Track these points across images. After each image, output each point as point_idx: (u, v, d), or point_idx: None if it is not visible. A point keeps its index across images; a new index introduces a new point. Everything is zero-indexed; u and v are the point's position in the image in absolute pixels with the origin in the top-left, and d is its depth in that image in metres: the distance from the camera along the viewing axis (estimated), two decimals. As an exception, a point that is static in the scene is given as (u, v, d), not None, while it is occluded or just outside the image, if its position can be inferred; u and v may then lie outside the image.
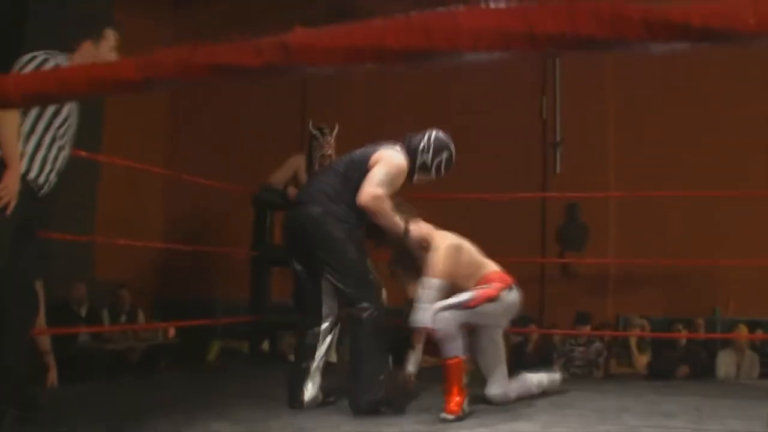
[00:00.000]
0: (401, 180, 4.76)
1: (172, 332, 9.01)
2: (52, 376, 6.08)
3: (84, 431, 3.68)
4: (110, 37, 3.79)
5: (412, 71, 7.97)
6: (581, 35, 0.90)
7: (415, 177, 4.90)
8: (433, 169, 4.92)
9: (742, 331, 8.35)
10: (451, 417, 4.18)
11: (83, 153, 5.76)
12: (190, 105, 11.03)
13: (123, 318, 8.84)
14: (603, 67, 9.53)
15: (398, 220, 4.64)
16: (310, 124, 7.07)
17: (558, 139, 9.77)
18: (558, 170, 9.74)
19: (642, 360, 8.37)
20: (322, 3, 10.89)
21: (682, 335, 8.39)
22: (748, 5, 0.90)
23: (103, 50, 3.73)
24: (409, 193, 5.08)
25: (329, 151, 6.84)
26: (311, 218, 4.56)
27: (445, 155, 4.94)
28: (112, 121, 9.62)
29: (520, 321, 9.08)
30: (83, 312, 8.45)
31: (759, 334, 8.29)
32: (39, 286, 5.91)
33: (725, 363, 8.22)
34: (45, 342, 6.08)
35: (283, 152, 7.69)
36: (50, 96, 1.51)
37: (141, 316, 9.21)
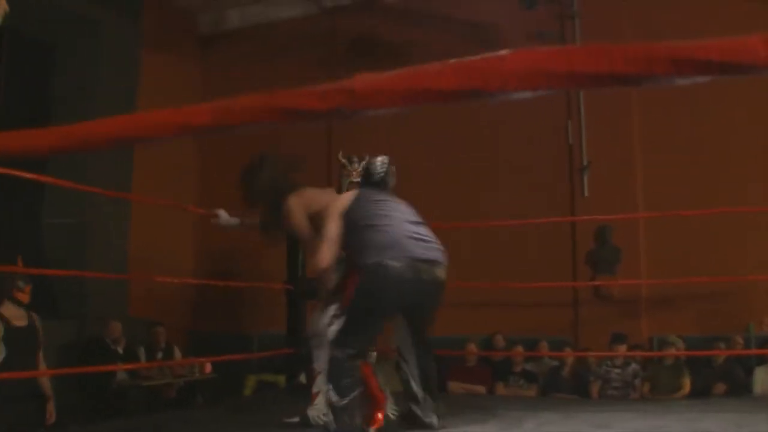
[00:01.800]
0: None
1: (208, 368, 9.07)
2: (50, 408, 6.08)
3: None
4: None
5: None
6: (616, 73, 0.96)
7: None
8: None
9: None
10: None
11: (113, 193, 5.84)
12: (219, 140, 11.14)
13: (159, 355, 8.92)
14: (628, 89, 9.56)
15: None
16: (340, 155, 7.16)
17: (585, 163, 9.80)
18: (585, 194, 9.76)
19: (686, 383, 8.32)
20: (343, 39, 11.03)
21: (717, 352, 8.38)
22: (759, 41, 0.96)
23: None
24: (442, 223, 5.10)
25: (357, 179, 6.94)
26: (443, 284, 4.48)
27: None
28: (141, 159, 9.75)
29: (555, 345, 9.13)
30: (120, 350, 8.54)
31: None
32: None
33: (762, 379, 8.19)
34: (46, 385, 6.12)
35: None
36: (132, 138, 1.61)
37: (177, 353, 9.28)
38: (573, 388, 8.68)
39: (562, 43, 10.09)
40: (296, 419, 4.50)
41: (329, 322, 4.64)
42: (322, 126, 10.52)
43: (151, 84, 10.46)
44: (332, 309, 4.61)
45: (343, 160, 7.11)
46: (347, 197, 4.55)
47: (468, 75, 1.05)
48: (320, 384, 4.66)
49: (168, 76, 11.22)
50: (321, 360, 4.65)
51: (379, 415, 4.44)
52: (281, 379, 8.44)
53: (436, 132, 9.85)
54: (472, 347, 8.91)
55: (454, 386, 8.62)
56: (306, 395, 6.11)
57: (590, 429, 4.60)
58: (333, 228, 4.39)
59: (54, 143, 1.70)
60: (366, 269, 4.31)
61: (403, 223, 4.42)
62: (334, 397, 4.12)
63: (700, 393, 7.94)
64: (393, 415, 4.58)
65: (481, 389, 8.66)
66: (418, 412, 4.50)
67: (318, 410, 4.67)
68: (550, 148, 9.97)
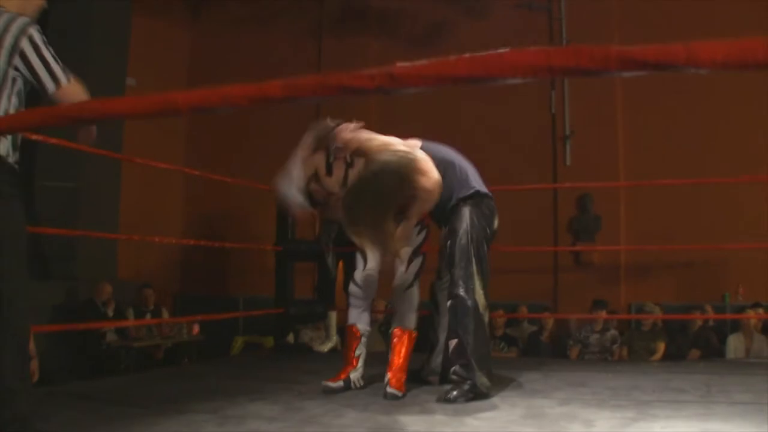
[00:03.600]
0: None
1: (196, 329, 9.24)
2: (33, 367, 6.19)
3: (126, 415, 3.84)
4: None
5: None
6: (582, 67, 1.25)
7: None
8: None
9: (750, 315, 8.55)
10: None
11: (104, 152, 5.94)
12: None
13: (148, 316, 9.07)
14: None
15: None
16: (327, 120, 7.35)
17: (567, 132, 9.97)
18: (568, 162, 9.95)
19: (661, 348, 8.57)
20: (331, 6, 11.09)
21: (693, 317, 8.63)
22: (681, 48, 1.27)
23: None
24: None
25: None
26: None
27: None
28: (131, 122, 9.84)
29: (535, 310, 9.35)
30: (110, 312, 8.69)
31: (763, 313, 8.48)
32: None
33: (734, 346, 8.44)
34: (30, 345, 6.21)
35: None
36: (212, 108, 1.82)
37: (165, 314, 9.44)
38: (552, 352, 8.92)
39: (549, 13, 10.24)
40: (341, 383, 4.50)
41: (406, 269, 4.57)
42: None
43: (141, 49, 10.53)
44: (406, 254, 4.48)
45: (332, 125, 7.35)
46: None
47: (476, 66, 1.34)
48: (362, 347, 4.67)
49: (158, 41, 11.29)
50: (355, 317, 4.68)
51: (341, 375, 4.53)
52: (269, 340, 8.63)
53: (422, 100, 9.97)
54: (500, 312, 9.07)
55: (437, 349, 8.80)
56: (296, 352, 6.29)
57: (567, 387, 4.78)
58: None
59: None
60: (475, 198, 4.48)
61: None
62: (477, 352, 4.24)
63: (675, 358, 8.17)
64: (359, 382, 4.62)
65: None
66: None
67: (359, 373, 4.64)
68: (533, 117, 10.13)
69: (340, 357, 5.04)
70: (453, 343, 4.33)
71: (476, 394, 4.20)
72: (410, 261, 4.53)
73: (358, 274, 4.58)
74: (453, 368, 4.29)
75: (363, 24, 10.74)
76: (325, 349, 7.39)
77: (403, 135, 4.60)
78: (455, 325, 4.32)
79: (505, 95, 9.64)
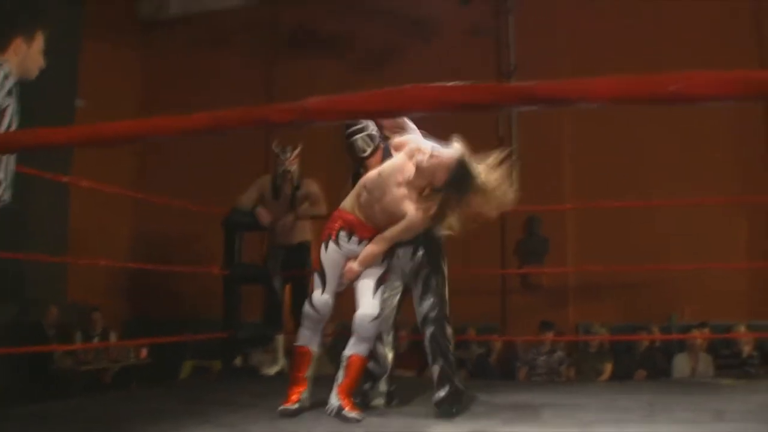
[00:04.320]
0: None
1: (144, 353, 9.19)
2: None
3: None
4: (40, 39, 3.71)
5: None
6: (480, 103, 1.33)
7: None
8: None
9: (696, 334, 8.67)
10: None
11: (51, 175, 5.91)
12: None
13: (96, 340, 9.00)
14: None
15: None
16: (274, 144, 7.44)
17: (514, 155, 10.05)
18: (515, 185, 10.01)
19: (608, 368, 8.66)
20: (283, 29, 11.14)
21: (639, 337, 8.74)
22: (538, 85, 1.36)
23: (34, 52, 3.65)
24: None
25: (290, 168, 7.27)
26: None
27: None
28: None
29: (483, 332, 9.40)
30: (57, 335, 8.61)
31: (708, 333, 8.59)
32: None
33: (680, 365, 8.54)
34: None
35: (249, 173, 7.97)
36: (140, 138, 1.86)
37: (113, 338, 9.37)
38: (501, 373, 8.97)
39: (497, 39, 10.37)
40: (296, 406, 4.48)
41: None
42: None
43: (92, 70, 10.48)
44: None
45: (277, 150, 7.42)
46: None
47: (383, 100, 1.38)
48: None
49: (108, 61, 11.25)
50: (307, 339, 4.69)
51: (293, 396, 4.52)
52: (217, 364, 8.59)
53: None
54: (403, 333, 9.09)
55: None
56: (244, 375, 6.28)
57: (511, 408, 4.82)
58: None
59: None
60: (436, 238, 4.64)
61: None
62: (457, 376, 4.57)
63: (622, 378, 8.26)
64: (307, 401, 4.65)
65: (411, 373, 8.87)
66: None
67: (308, 393, 4.64)
68: (480, 140, 10.17)
69: (287, 380, 5.04)
70: (437, 369, 4.57)
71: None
72: (376, 290, 4.53)
73: (317, 297, 4.51)
74: (441, 395, 4.54)
75: (315, 48, 10.79)
76: (273, 372, 7.37)
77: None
78: (438, 352, 4.58)
79: (451, 117, 9.68)
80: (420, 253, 4.64)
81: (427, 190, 4.33)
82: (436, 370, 4.60)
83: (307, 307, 4.53)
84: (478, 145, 4.52)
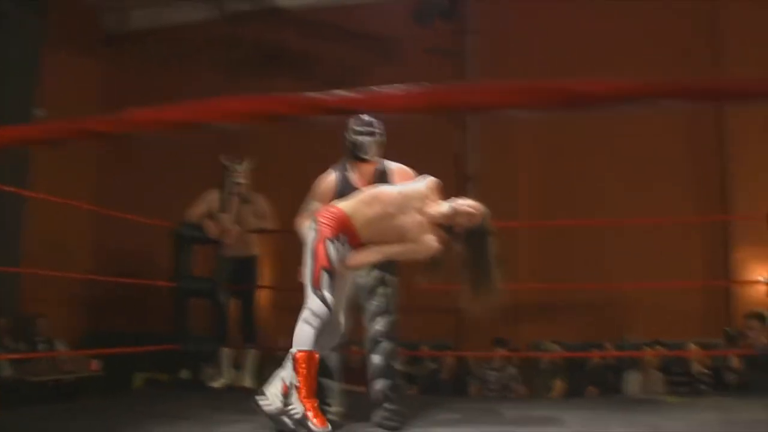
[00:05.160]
0: (321, 189, 4.98)
1: (94, 365, 9.16)
2: None
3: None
4: None
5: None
6: (280, 113, 1.40)
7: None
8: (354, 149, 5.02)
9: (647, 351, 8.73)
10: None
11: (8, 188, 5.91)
12: (117, 140, 11.22)
13: (40, 346, 8.96)
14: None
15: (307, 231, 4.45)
16: (223, 157, 7.50)
17: (470, 173, 10.12)
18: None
19: (558, 385, 8.71)
20: (244, 45, 11.19)
21: (589, 354, 8.80)
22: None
23: None
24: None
25: (240, 180, 7.32)
26: None
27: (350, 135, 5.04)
28: (39, 154, 9.73)
29: (436, 349, 9.43)
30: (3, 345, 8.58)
31: (660, 350, 8.66)
32: None
33: (631, 382, 8.60)
34: None
35: (207, 187, 7.99)
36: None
37: (60, 346, 9.32)
38: (453, 389, 8.99)
39: (460, 57, 10.45)
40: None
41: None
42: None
43: (52, 80, 10.48)
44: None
45: (226, 163, 7.48)
46: None
47: (194, 112, 1.44)
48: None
49: (70, 73, 11.24)
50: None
51: (317, 419, 4.20)
52: (165, 376, 8.60)
53: (329, 137, 10.07)
54: (355, 349, 9.10)
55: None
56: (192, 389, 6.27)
57: (446, 424, 4.85)
58: None
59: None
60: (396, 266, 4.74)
61: None
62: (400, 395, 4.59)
63: (573, 395, 8.31)
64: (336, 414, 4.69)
65: (362, 389, 8.87)
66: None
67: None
68: (436, 157, 10.26)
69: (235, 393, 5.03)
70: (385, 384, 4.63)
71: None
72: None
73: (330, 296, 4.21)
74: (383, 413, 4.58)
75: (280, 65, 10.83)
76: (218, 386, 7.37)
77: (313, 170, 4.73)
78: (386, 370, 4.65)
79: (407, 134, 9.77)
80: (376, 269, 4.68)
81: (442, 231, 4.35)
82: (380, 387, 4.64)
83: (320, 306, 4.18)
84: (434, 163, 4.57)
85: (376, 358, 4.68)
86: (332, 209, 4.39)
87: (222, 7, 11.58)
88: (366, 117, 4.94)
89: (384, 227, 4.33)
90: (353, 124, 5.00)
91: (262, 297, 9.32)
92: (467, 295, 4.41)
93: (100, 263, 11.12)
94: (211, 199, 7.54)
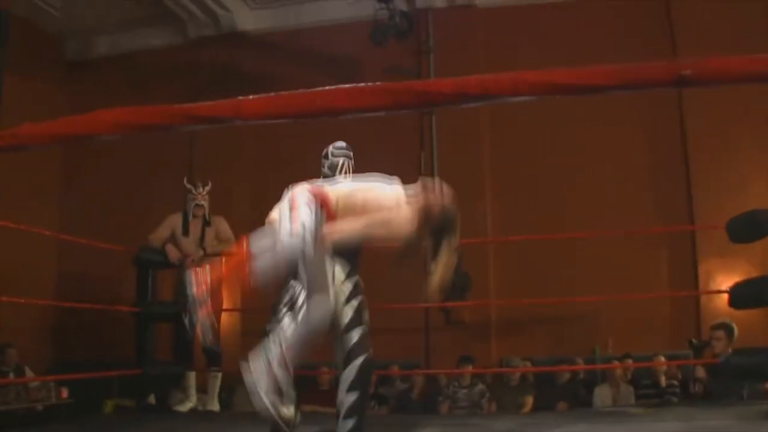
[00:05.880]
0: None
1: (64, 393, 9.08)
2: None
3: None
4: None
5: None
6: (154, 124, 1.42)
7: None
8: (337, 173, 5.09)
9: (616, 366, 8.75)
10: None
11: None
12: (80, 159, 11.22)
13: (11, 375, 8.88)
14: (478, 120, 10.03)
15: None
16: (185, 180, 7.50)
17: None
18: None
19: (528, 401, 8.71)
20: (207, 69, 11.21)
21: (560, 368, 8.82)
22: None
23: None
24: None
25: (202, 202, 7.33)
26: None
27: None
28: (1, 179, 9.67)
29: (406, 368, 9.41)
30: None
31: (629, 363, 8.68)
32: None
33: (601, 396, 8.61)
34: None
35: (172, 211, 7.96)
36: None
37: (29, 374, 9.24)
38: (424, 408, 8.97)
39: (419, 77, 10.50)
40: None
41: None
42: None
43: (15, 108, 10.39)
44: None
45: (189, 186, 7.48)
46: None
47: (78, 125, 1.47)
48: None
49: (33, 100, 11.18)
50: None
51: None
52: (130, 402, 8.53)
53: (296, 158, 10.09)
54: (325, 370, 9.08)
55: (307, 408, 8.78)
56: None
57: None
58: None
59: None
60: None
61: None
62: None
63: (544, 410, 8.31)
64: None
65: (333, 410, 8.83)
66: None
67: None
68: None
69: (201, 416, 4.97)
70: (352, 400, 4.46)
71: None
72: None
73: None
74: (348, 426, 4.47)
75: (237, 88, 10.79)
76: (184, 410, 7.33)
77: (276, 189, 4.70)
78: (359, 384, 4.48)
79: (373, 153, 9.80)
80: (355, 278, 4.65)
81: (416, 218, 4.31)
82: (349, 400, 4.50)
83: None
84: (402, 181, 4.56)
85: (351, 370, 4.55)
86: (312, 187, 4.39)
87: (184, 32, 11.60)
88: (342, 142, 5.21)
89: (361, 213, 4.31)
90: (332, 147, 5.21)
91: (226, 320, 9.30)
92: (432, 281, 4.35)
93: (65, 290, 11.03)
94: (174, 222, 7.54)
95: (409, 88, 1.52)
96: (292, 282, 4.29)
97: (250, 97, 1.35)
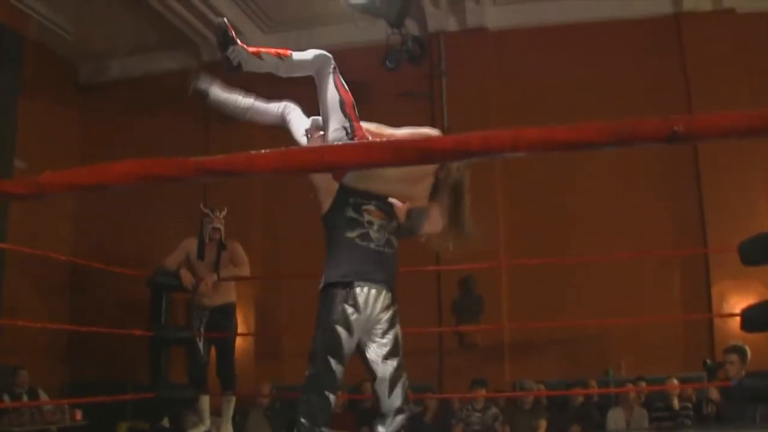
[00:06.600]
0: None
1: (78, 415, 9.11)
2: None
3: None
4: None
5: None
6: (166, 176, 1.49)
7: None
8: None
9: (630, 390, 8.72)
10: None
11: None
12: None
13: (24, 398, 8.91)
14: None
15: None
16: (202, 205, 7.55)
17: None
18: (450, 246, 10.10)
19: (542, 425, 8.69)
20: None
21: (573, 392, 8.79)
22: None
23: None
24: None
25: (219, 225, 7.37)
26: None
27: None
28: (17, 206, 9.73)
29: (419, 392, 9.40)
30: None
31: (643, 386, 8.64)
32: None
33: (615, 419, 8.59)
34: None
35: (187, 235, 7.99)
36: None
37: (43, 396, 9.28)
38: (436, 431, 8.97)
39: (431, 100, 10.54)
40: None
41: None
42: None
43: (30, 131, 10.50)
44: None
45: (206, 210, 7.53)
46: None
47: (99, 174, 1.54)
48: None
49: (47, 124, 11.30)
50: None
51: None
52: (144, 425, 8.57)
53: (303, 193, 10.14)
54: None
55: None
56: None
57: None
58: None
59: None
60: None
61: None
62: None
63: (557, 433, 8.31)
64: None
65: (346, 435, 8.83)
66: None
67: None
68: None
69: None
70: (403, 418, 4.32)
71: None
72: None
73: None
74: None
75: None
76: (198, 433, 7.36)
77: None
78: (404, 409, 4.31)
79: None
80: (395, 307, 4.40)
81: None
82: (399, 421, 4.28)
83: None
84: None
85: (395, 401, 4.27)
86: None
87: (197, 55, 11.66)
88: None
89: None
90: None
91: (240, 344, 9.30)
92: (444, 237, 4.53)
93: (78, 312, 11.08)
94: (190, 247, 7.58)
95: (414, 146, 1.63)
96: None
97: (263, 151, 1.46)
